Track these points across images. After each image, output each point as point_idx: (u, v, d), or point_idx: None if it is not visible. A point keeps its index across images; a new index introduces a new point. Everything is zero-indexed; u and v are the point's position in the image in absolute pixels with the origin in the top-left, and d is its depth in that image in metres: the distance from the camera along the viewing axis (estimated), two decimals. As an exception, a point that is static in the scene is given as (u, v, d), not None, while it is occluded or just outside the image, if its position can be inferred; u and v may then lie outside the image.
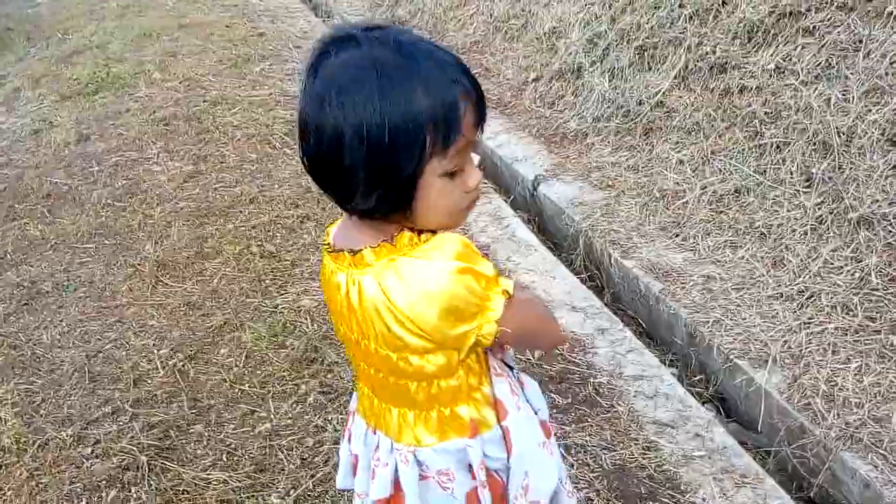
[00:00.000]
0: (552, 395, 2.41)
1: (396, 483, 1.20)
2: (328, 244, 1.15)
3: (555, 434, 1.36)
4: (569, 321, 2.77)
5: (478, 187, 1.09)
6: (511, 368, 1.27)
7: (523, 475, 1.20)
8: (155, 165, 4.27)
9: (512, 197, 3.89)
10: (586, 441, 2.23)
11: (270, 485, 2.18)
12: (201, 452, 2.33)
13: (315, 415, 2.41)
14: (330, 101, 0.96)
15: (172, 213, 3.73)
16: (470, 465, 1.17)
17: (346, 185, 1.00)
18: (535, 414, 1.27)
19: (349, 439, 1.33)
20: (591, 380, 2.47)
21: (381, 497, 1.20)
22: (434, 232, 1.08)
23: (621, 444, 2.21)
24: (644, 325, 2.95)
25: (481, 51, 5.23)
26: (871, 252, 2.54)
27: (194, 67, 5.71)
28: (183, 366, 2.68)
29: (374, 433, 1.23)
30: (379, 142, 0.94)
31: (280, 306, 2.95)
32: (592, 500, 2.04)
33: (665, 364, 2.65)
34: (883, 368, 2.25)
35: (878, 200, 2.60)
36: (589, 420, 2.31)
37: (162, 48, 6.22)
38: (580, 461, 2.16)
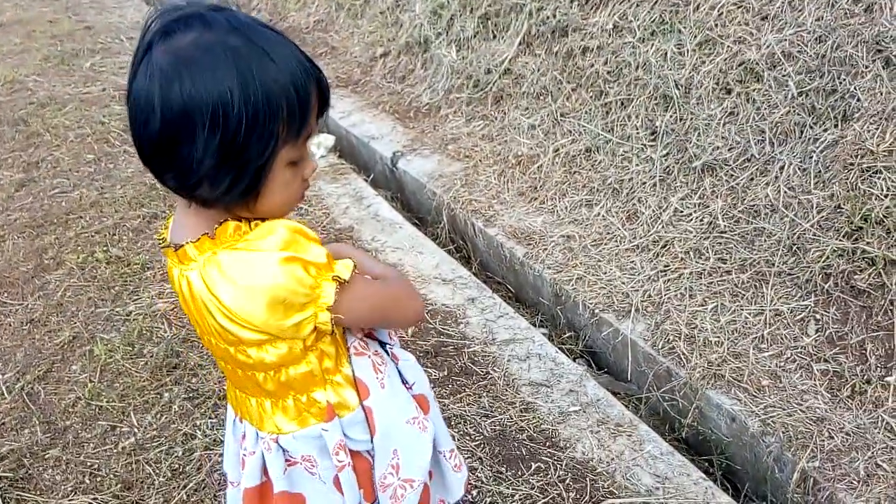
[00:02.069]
0: (428, 369, 2.38)
1: (266, 470, 1.17)
2: (162, 239, 1.09)
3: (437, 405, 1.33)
4: (439, 294, 2.75)
5: (311, 179, 1.08)
6: (383, 344, 1.23)
7: (391, 454, 1.17)
8: (-22, 176, 3.88)
9: (372, 176, 3.82)
10: (465, 411, 2.22)
11: (140, 501, 2.04)
12: (61, 478, 2.14)
13: (182, 422, 2.27)
14: (181, 81, 0.90)
15: (5, 227, 3.42)
16: (336, 445, 1.13)
17: (191, 171, 0.93)
18: (410, 388, 1.25)
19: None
20: (466, 350, 2.46)
21: (251, 485, 1.16)
22: (263, 219, 1.04)
23: (499, 410, 2.22)
24: (512, 289, 2.98)
25: (325, 29, 5.10)
26: (717, 197, 2.67)
27: (17, 68, 5.27)
28: (32, 388, 2.46)
29: (241, 422, 1.20)
30: (237, 126, 0.90)
31: (133, 313, 2.76)
32: (476, 469, 2.04)
33: (535, 325, 2.69)
34: (737, 306, 2.37)
35: (718, 147, 2.73)
36: (466, 390, 2.30)
37: (-24, 49, 5.69)
38: (461, 431, 2.15)
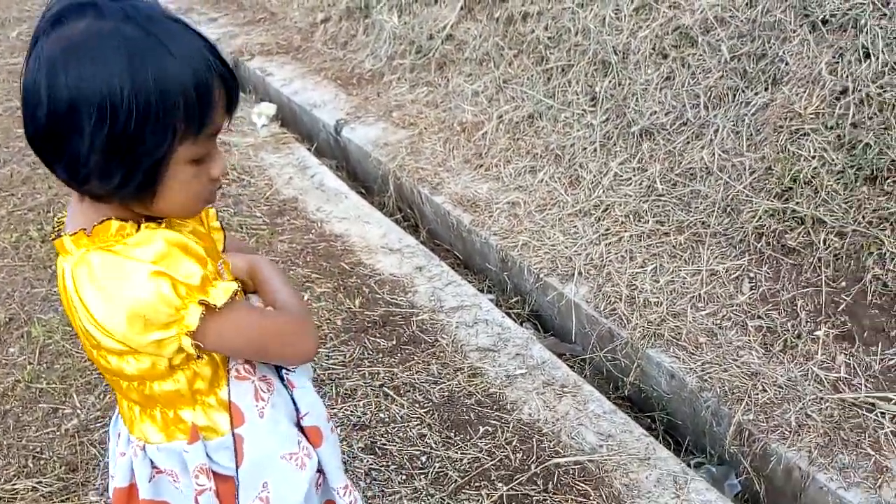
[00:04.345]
0: (377, 339, 2.40)
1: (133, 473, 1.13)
2: (60, 224, 1.04)
3: (335, 433, 1.25)
4: (386, 264, 2.76)
5: (222, 176, 1.01)
6: (280, 369, 1.16)
7: (260, 486, 1.12)
8: None
9: (315, 144, 3.78)
10: (414, 379, 2.25)
11: (86, 483, 2.02)
12: (2, 462, 2.10)
13: (129, 401, 2.25)
14: (67, 72, 0.86)
15: (-70, 207, 3.29)
16: (197, 467, 1.09)
17: (80, 165, 0.89)
18: (302, 418, 1.17)
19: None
20: (414, 318, 2.48)
21: (122, 486, 1.12)
22: (160, 219, 1.00)
23: (448, 376, 2.26)
24: (460, 256, 3.00)
25: (264, -5, 4.99)
26: (654, 161, 2.72)
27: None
28: (-33, 373, 2.40)
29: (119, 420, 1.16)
30: (126, 120, 0.86)
31: (73, 292, 2.70)
32: (426, 435, 2.07)
33: (483, 292, 2.72)
34: (675, 267, 2.44)
35: (655, 112, 2.78)
36: (415, 358, 2.33)
37: None
38: (410, 399, 2.18)
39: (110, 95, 0.85)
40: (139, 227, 0.97)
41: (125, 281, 0.91)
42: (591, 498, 1.89)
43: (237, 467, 1.10)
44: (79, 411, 2.23)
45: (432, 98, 3.57)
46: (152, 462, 1.10)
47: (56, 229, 1.03)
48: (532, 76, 3.25)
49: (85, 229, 0.95)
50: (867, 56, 2.33)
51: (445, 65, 3.64)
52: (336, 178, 3.36)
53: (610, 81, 2.96)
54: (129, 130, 0.87)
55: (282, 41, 4.46)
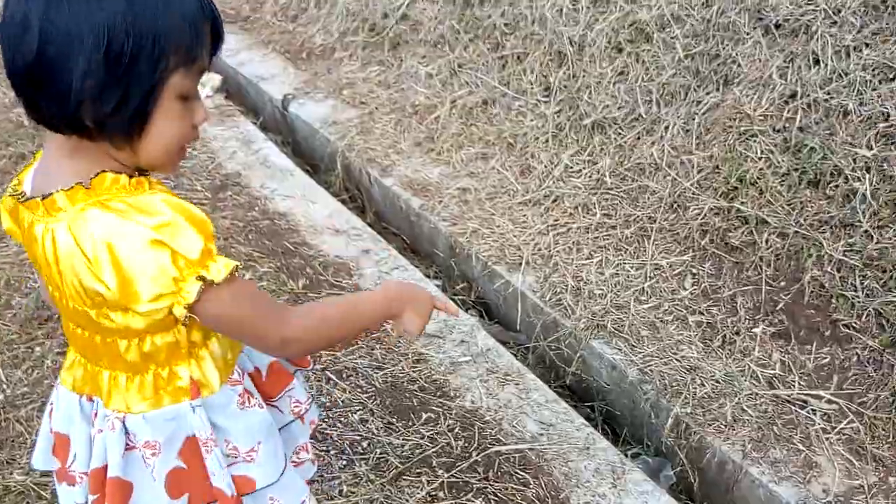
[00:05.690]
0: (320, 321, 2.36)
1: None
2: (21, 193, 0.99)
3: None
4: (332, 245, 2.71)
5: (204, 122, 1.02)
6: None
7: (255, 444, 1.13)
8: None
9: (261, 119, 3.69)
10: (357, 363, 2.22)
11: (11, 461, 1.93)
12: (-81, 439, 2.00)
13: (55, 378, 2.15)
14: (59, 2, 0.86)
15: None
16: (185, 438, 1.07)
17: (72, 93, 0.88)
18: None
19: (50, 414, 1.17)
20: (359, 301, 2.45)
21: (97, 466, 1.08)
22: (144, 173, 0.99)
23: (392, 362, 2.24)
24: (407, 241, 2.98)
25: (214, -39, 4.83)
26: (605, 154, 2.74)
27: None
28: None
29: (91, 400, 1.10)
30: (124, 42, 0.88)
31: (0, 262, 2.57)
32: (367, 421, 2.05)
33: (430, 277, 2.71)
34: (620, 260, 2.46)
35: (608, 105, 2.80)
36: (359, 342, 2.30)
37: None
38: (352, 384, 2.16)
39: (108, 20, 0.86)
40: (131, 180, 0.96)
41: (124, 243, 0.90)
42: (531, 486, 1.90)
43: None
44: (5, 386, 2.13)
45: (384, 78, 3.52)
46: (128, 436, 1.06)
47: (16, 193, 0.99)
48: (487, 62, 3.23)
49: (81, 182, 0.93)
50: (816, 62, 2.39)
51: (399, 45, 3.59)
52: (282, 155, 3.29)
53: (564, 72, 2.97)
54: (126, 52, 0.88)
55: (229, 10, 4.33)
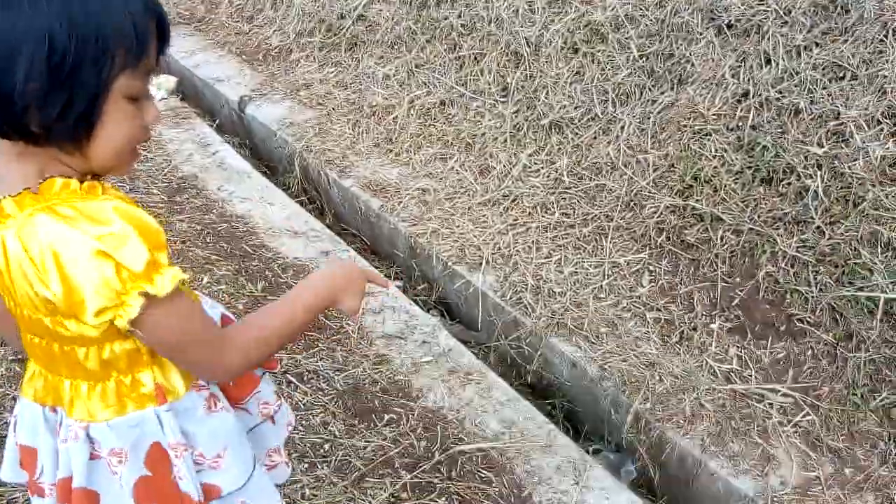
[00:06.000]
0: (279, 324, 2.34)
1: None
2: None
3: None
4: (291, 247, 2.68)
5: (152, 126, 0.99)
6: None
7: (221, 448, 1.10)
8: None
9: (217, 121, 3.64)
10: (318, 366, 2.20)
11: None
12: None
13: (11, 386, 2.09)
14: (13, 3, 0.84)
15: None
16: (151, 445, 1.04)
17: (17, 96, 0.85)
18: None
19: (14, 427, 1.14)
20: (319, 303, 2.43)
21: (63, 476, 1.06)
22: (98, 177, 0.96)
23: (353, 363, 2.22)
24: (367, 242, 2.96)
25: (166, -39, 4.75)
26: (563, 154, 2.76)
27: None
28: None
29: (55, 411, 1.07)
30: (66, 46, 0.85)
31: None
32: (329, 423, 2.03)
33: (390, 278, 2.69)
34: (579, 258, 2.48)
35: (565, 105, 2.82)
36: (320, 344, 2.28)
37: None
38: (314, 387, 2.13)
39: (49, 24, 0.84)
40: (82, 184, 0.93)
41: (69, 252, 0.87)
42: (494, 485, 1.90)
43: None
44: (-50, 396, 2.06)
45: (342, 79, 3.50)
46: (92, 444, 1.03)
47: None
48: (444, 62, 3.23)
49: (29, 188, 0.90)
50: (768, 61, 2.44)
51: (356, 45, 3.57)
52: (239, 157, 3.25)
53: (521, 73, 2.98)
54: (69, 56, 0.85)
55: (184, 10, 4.27)
